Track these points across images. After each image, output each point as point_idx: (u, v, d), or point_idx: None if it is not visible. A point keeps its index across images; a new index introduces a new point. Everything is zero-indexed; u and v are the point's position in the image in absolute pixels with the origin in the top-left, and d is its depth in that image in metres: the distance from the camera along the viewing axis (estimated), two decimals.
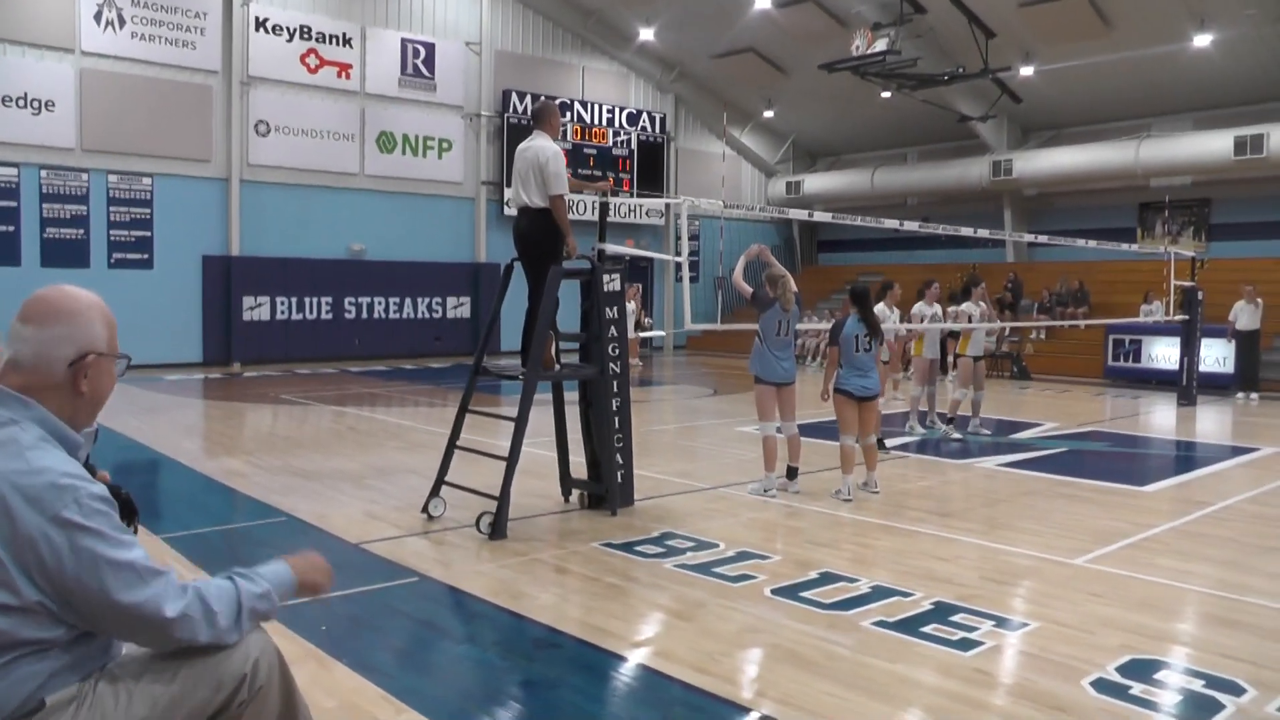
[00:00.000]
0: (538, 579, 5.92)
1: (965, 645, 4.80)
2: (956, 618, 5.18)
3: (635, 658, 4.68)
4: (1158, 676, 4.46)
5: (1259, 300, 17.74)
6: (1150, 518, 7.80)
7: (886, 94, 23.29)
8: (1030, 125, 25.68)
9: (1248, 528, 7.58)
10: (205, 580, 2.34)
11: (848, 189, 28.33)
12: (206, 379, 18.54)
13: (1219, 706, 4.15)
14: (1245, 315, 17.76)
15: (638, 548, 6.59)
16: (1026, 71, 22.23)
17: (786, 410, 8.49)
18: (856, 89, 23.08)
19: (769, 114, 28.72)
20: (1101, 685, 4.34)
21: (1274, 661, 4.70)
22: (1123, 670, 4.51)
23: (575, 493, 7.93)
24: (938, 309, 12.66)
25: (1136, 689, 4.31)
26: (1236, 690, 4.31)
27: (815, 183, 29.49)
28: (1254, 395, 17.46)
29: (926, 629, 5.01)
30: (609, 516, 7.44)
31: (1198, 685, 4.40)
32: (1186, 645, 4.99)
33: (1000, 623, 5.14)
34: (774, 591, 5.64)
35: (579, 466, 8.01)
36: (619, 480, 7.60)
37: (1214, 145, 21.52)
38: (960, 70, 21.20)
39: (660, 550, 6.52)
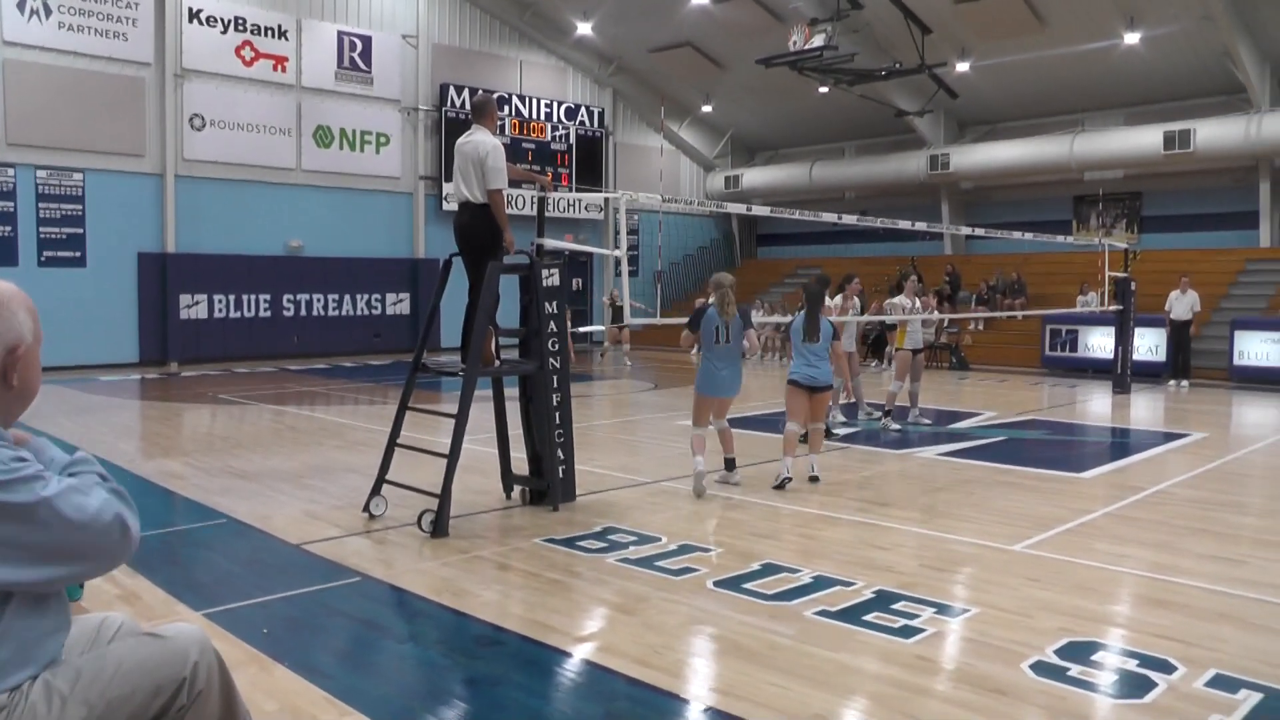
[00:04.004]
0: (480, 576, 5.88)
1: (906, 632, 4.86)
2: (897, 606, 5.24)
3: (579, 653, 4.67)
4: (1094, 658, 4.56)
5: (1192, 290, 18.19)
6: (1087, 503, 7.96)
7: (824, 89, 23.47)
8: (967, 120, 26.04)
9: (1180, 511, 7.77)
10: (73, 483, 2.18)
11: (786, 183, 28.53)
12: (143, 379, 18.17)
13: (1152, 684, 4.26)
14: (1179, 305, 18.20)
15: (580, 543, 6.57)
16: (963, 67, 22.55)
17: (719, 413, 8.61)
18: (794, 84, 23.23)
19: (707, 108, 28.82)
20: (1040, 668, 4.42)
21: (1203, 639, 4.82)
22: (1060, 652, 4.59)
23: (517, 489, 7.89)
24: (858, 303, 12.91)
25: (1074, 670, 4.40)
26: (1168, 668, 4.42)
27: (754, 177, 29.66)
28: (1185, 383, 17.89)
29: (868, 617, 5.06)
30: (551, 512, 7.41)
31: (1132, 665, 4.50)
32: (1121, 626, 5.10)
33: (941, 609, 5.21)
34: (716, 584, 5.66)
35: (520, 462, 7.97)
36: (560, 476, 7.57)
37: (1144, 140, 22.04)
38: (897, 66, 21.42)
39: (602, 545, 6.52)
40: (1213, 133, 21.15)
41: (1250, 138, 20.78)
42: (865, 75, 21.76)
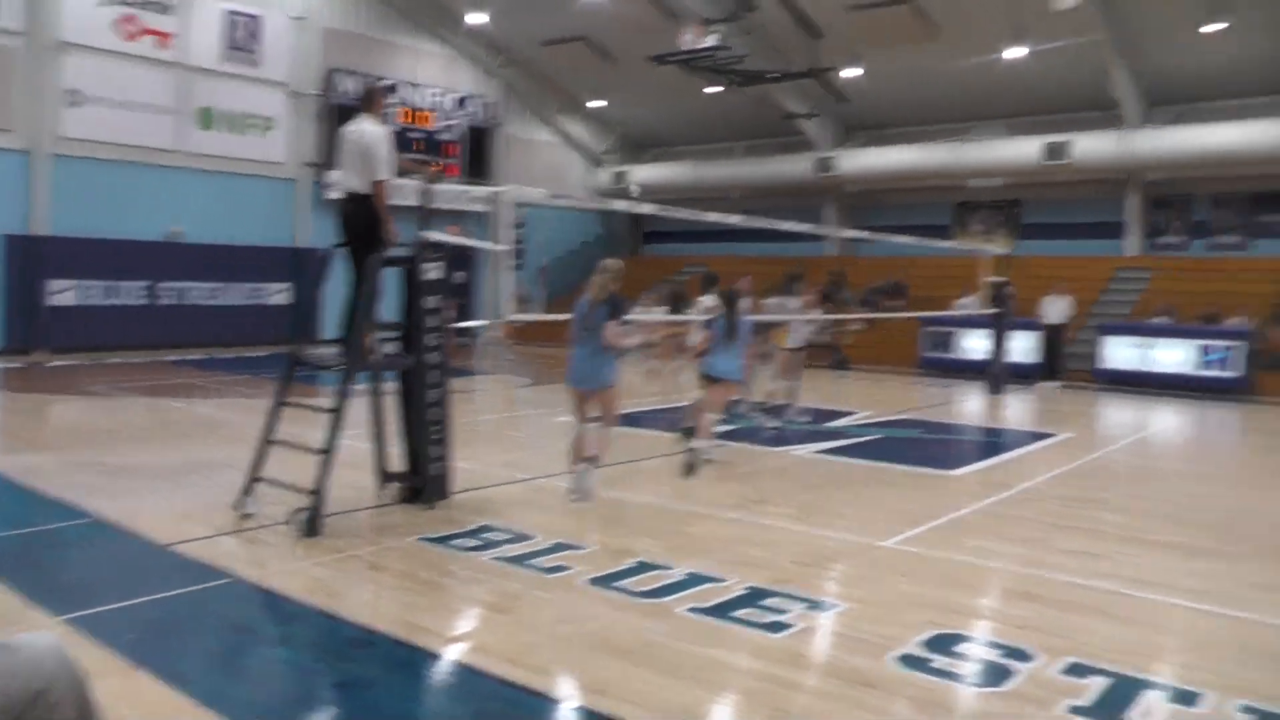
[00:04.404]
0: (353, 577, 5.78)
1: (777, 628, 4.94)
2: (769, 601, 5.33)
3: (451, 654, 4.63)
4: (958, 649, 4.72)
5: (1066, 296, 18.91)
6: (958, 500, 8.21)
7: (715, 89, 23.69)
8: (855, 124, 26.58)
9: (1046, 508, 8.08)
10: None
11: (674, 180, 28.70)
12: (7, 369, 17.34)
13: (1011, 673, 4.45)
14: (1054, 309, 18.92)
15: (455, 541, 6.51)
16: (852, 73, 22.99)
17: (597, 411, 7.99)
18: (685, 82, 23.38)
19: (598, 103, 28.80)
20: (906, 660, 4.56)
21: (1062, 629, 5.05)
22: (926, 644, 4.74)
23: (393, 486, 7.75)
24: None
25: (938, 661, 4.55)
26: (1027, 657, 4.62)
27: (642, 173, 29.75)
28: (1057, 384, 18.60)
29: (739, 613, 5.14)
30: (427, 510, 7.31)
31: (994, 655, 4.68)
32: (986, 619, 5.29)
33: (811, 605, 5.31)
34: (590, 581, 5.67)
35: (397, 459, 7.84)
36: (437, 473, 7.48)
37: (1025, 150, 22.87)
38: (788, 69, 21.74)
39: (477, 543, 6.46)
40: (1089, 146, 22.09)
41: (1122, 152, 21.84)
42: (756, 76, 22.04)
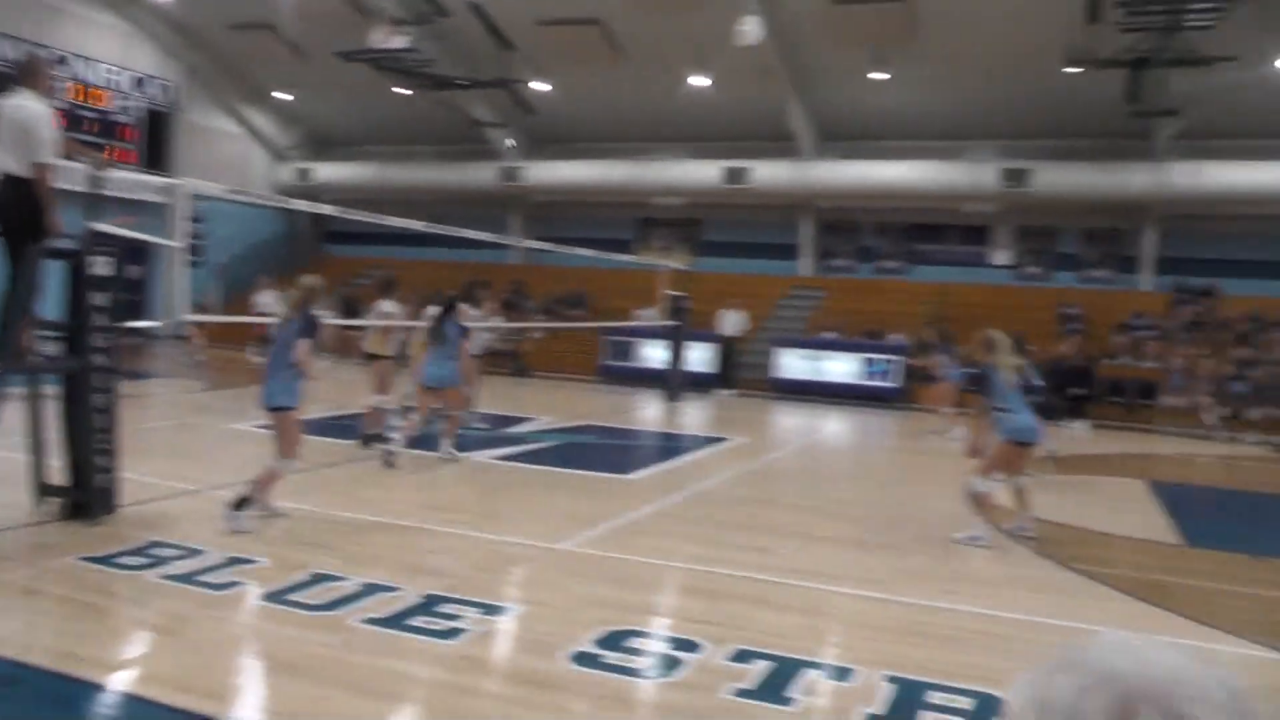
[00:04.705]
0: (3, 604, 5.06)
1: (452, 634, 4.79)
2: (445, 608, 5.16)
3: (114, 684, 4.13)
4: (629, 644, 4.77)
5: (742, 311, 20.03)
6: (634, 502, 8.38)
7: (404, 91, 23.22)
8: (542, 136, 26.86)
9: (717, 508, 8.42)
10: None
11: (360, 181, 27.85)
12: None
13: (681, 663, 4.55)
14: (729, 322, 19.97)
15: (120, 559, 5.84)
16: (541, 86, 23.24)
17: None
18: (375, 81, 22.74)
19: (285, 96, 27.47)
20: (580, 658, 4.55)
21: (731, 620, 5.24)
22: (599, 642, 4.76)
23: (53, 501, 6.85)
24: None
25: (611, 657, 4.57)
26: (696, 648, 4.75)
27: (327, 171, 28.67)
28: (732, 392, 19.62)
29: (415, 621, 4.94)
30: (90, 526, 6.53)
31: (664, 647, 4.78)
32: (658, 614, 5.42)
33: (488, 609, 5.20)
34: (264, 597, 5.28)
35: (58, 471, 6.95)
36: (103, 485, 6.73)
37: (706, 173, 24.13)
38: (478, 77, 21.64)
39: (145, 561, 5.84)
40: (766, 173, 23.64)
41: (797, 180, 23.58)
42: (445, 82, 21.79)
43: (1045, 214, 22.97)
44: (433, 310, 10.47)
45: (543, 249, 16.65)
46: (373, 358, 11.04)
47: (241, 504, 6.76)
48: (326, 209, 11.06)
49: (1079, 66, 17.74)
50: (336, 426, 11.40)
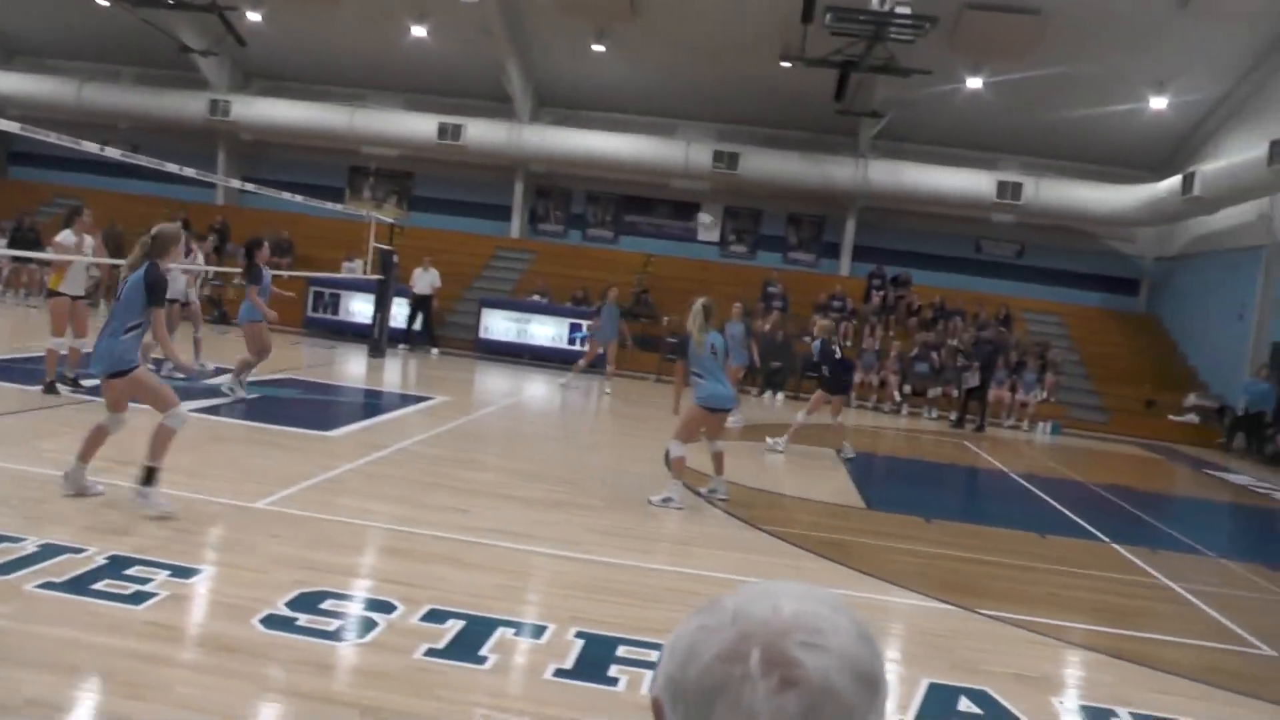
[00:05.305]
0: None
1: (138, 598, 4.62)
2: (131, 571, 4.96)
3: None
4: (323, 606, 4.79)
5: (434, 269, 20.04)
6: (334, 460, 8.29)
7: (103, 1, 21.28)
8: (254, 71, 25.45)
9: (418, 467, 8.50)
10: None
11: (50, 97, 25.16)
12: None
13: (374, 624, 4.64)
14: (423, 280, 19.91)
15: None
16: (254, 16, 21.98)
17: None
18: None
19: None
20: (271, 621, 4.53)
21: (425, 580, 5.37)
22: (292, 604, 4.75)
23: None
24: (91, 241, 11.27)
25: (303, 619, 4.58)
26: (389, 609, 4.85)
27: (10, 83, 25.74)
28: (433, 351, 19.52)
29: (98, 586, 4.71)
30: None
31: (357, 609, 4.86)
32: (353, 575, 5.46)
33: (176, 572, 5.04)
34: None
35: None
36: None
37: (421, 126, 23.71)
38: None
39: None
40: (481, 132, 23.51)
41: (512, 143, 23.63)
42: None
43: (753, 196, 24.39)
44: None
45: (250, 190, 15.80)
46: (53, 294, 10.26)
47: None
48: (6, 125, 10.02)
49: (792, 62, 18.92)
50: (16, 370, 10.50)
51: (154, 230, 6.42)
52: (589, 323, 16.50)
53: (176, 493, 6.65)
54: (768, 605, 0.91)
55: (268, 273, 11.57)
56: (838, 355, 11.67)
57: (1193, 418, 19.37)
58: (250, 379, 11.28)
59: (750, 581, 0.98)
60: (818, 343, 12.19)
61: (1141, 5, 17.82)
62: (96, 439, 6.33)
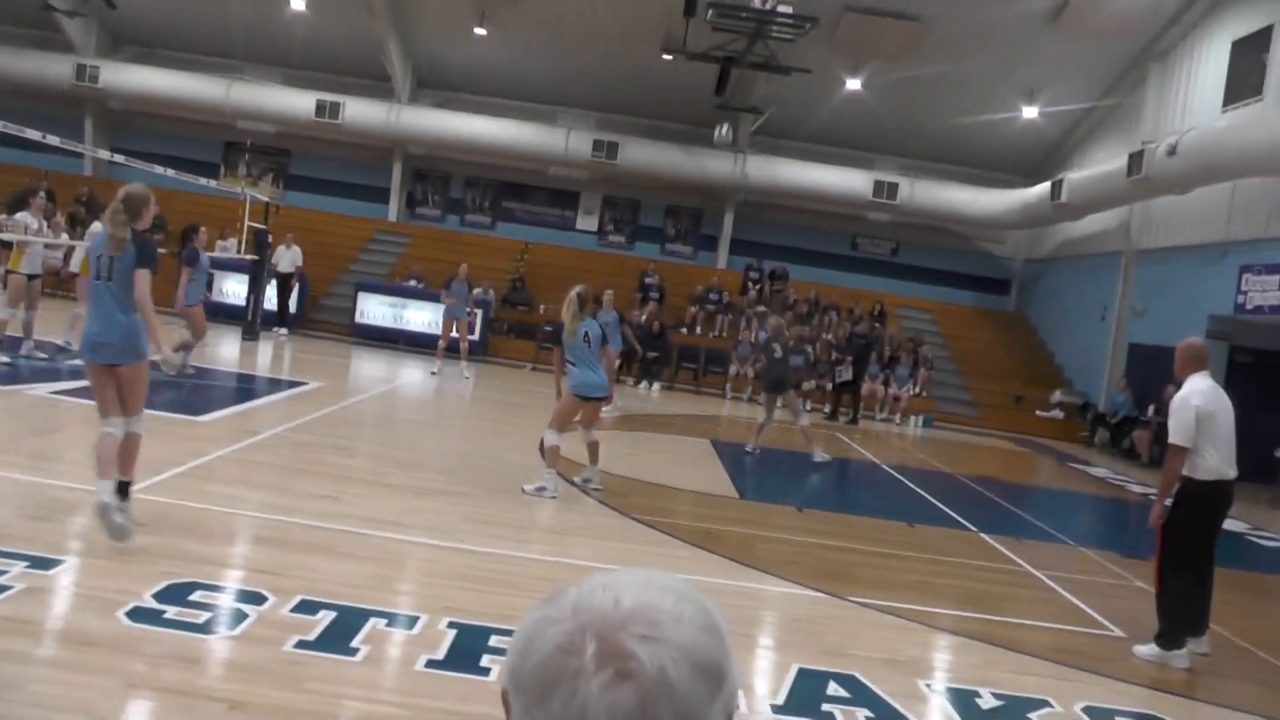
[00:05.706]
0: None
1: None
2: None
3: None
4: (193, 597, 4.71)
5: (296, 246, 19.65)
6: (204, 446, 8.10)
7: None
8: (124, 36, 24.39)
9: (290, 454, 8.38)
10: None
11: None
12: None
13: (244, 616, 4.58)
14: (285, 259, 19.52)
15: None
16: None
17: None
18: None
19: None
20: (136, 614, 4.42)
21: (296, 570, 5.32)
22: (159, 596, 4.66)
23: None
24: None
25: (171, 612, 4.49)
26: (260, 600, 4.79)
27: None
28: (283, 332, 19.02)
29: None
30: None
31: (227, 600, 4.79)
32: (223, 565, 5.37)
33: (35, 562, 4.87)
34: None
35: None
36: None
37: (299, 102, 23.13)
38: None
39: None
40: (360, 111, 23.05)
41: (390, 124, 23.24)
42: None
43: (632, 187, 24.52)
44: None
45: (120, 162, 15.17)
46: (11, 274, 9.99)
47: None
48: None
49: (674, 55, 19.08)
50: None
51: (122, 194, 5.87)
52: (444, 303, 16.46)
53: (36, 479, 6.47)
54: (609, 597, 0.89)
55: (205, 256, 11.28)
56: (778, 354, 11.93)
57: (1058, 413, 20.34)
58: None
59: (599, 570, 0.97)
60: (764, 338, 12.67)
61: (1015, 17, 18.56)
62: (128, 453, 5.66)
